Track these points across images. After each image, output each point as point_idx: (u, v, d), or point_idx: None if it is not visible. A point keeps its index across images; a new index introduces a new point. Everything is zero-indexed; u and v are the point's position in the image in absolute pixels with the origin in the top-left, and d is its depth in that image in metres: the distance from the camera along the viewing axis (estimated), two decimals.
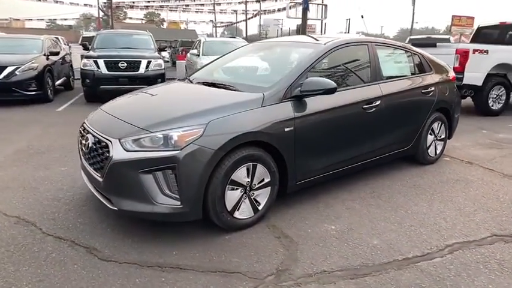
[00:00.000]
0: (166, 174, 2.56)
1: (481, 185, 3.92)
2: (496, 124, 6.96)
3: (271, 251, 2.65)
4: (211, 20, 43.06)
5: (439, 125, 4.51)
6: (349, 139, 3.52)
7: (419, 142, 4.28)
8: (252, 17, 32.46)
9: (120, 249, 2.65)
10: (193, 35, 31.26)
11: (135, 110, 3.09)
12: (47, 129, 6.15)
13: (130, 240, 2.75)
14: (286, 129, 2.96)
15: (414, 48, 4.38)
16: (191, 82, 3.80)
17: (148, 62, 8.60)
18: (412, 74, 4.21)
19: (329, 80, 3.01)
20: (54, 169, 4.24)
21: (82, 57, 16.35)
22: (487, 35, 8.90)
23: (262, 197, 2.98)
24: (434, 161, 4.60)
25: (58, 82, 9.73)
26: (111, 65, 8.30)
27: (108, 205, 2.73)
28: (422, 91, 4.16)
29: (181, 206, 2.58)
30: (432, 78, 4.35)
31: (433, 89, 4.27)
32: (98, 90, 8.36)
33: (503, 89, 7.67)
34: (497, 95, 7.66)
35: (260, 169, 2.89)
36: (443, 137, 4.63)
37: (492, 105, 7.68)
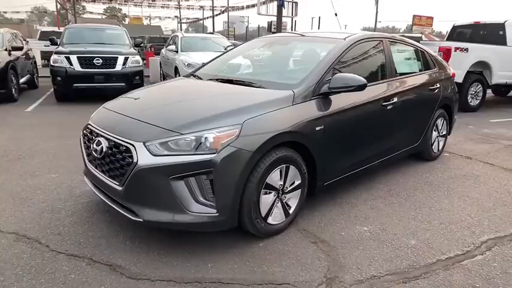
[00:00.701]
0: (201, 180, 2.33)
1: (489, 180, 3.98)
2: (478, 120, 7.21)
3: (313, 257, 2.49)
4: (176, 16, 41.98)
5: (442, 121, 4.55)
6: (370, 137, 3.44)
7: (426, 138, 4.29)
8: (219, 14, 31.96)
9: (148, 264, 2.39)
10: (158, 31, 30.33)
11: (153, 110, 2.81)
12: (21, 132, 5.61)
13: (156, 254, 2.50)
14: (317, 128, 2.81)
15: (420, 44, 4.38)
16: (200, 78, 3.55)
17: (126, 59, 8.14)
18: (420, 70, 4.20)
19: (359, 76, 2.89)
20: (43, 176, 3.83)
21: (42, 53, 15.58)
22: (461, 34, 9.23)
23: (293, 200, 2.82)
24: (437, 157, 4.64)
25: (22, 80, 9.00)
26: (86, 61, 7.76)
27: (130, 216, 2.46)
28: (430, 88, 4.17)
29: (217, 214, 2.36)
30: (437, 75, 4.37)
31: (438, 85, 4.29)
32: (70, 89, 7.80)
33: (480, 86, 7.97)
34: (475, 92, 7.96)
35: (292, 171, 2.73)
36: (444, 133, 4.69)
37: (470, 102, 7.96)
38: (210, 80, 3.40)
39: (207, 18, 34.08)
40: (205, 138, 2.32)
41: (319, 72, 2.96)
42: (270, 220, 2.66)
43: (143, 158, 2.33)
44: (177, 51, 9.63)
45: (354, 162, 3.31)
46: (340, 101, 3.03)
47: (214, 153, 2.29)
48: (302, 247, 2.61)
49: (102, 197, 2.72)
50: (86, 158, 2.92)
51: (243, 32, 47.57)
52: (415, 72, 4.08)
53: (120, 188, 2.46)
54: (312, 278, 2.28)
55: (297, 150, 2.74)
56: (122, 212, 2.52)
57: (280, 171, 2.64)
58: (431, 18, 30.21)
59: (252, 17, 76.47)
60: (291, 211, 2.81)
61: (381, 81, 3.53)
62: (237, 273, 2.31)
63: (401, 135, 3.86)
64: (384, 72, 3.60)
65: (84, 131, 2.97)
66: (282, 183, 2.68)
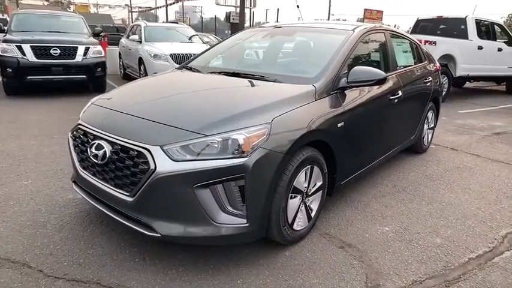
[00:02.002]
0: (229, 187, 2.06)
1: (482, 171, 4.06)
2: (448, 111, 7.44)
3: (346, 264, 2.32)
4: (126, 5, 39.74)
5: (432, 114, 4.58)
6: (379, 132, 3.33)
7: (419, 131, 4.28)
8: (173, 3, 30.63)
9: (169, 285, 2.08)
10: (108, 20, 28.62)
11: (162, 107, 2.46)
12: None
13: (175, 272, 2.20)
14: (339, 125, 2.63)
15: (413, 37, 4.34)
16: (198, 71, 3.23)
17: (87, 49, 7.44)
18: (415, 63, 4.17)
19: (378, 70, 2.74)
20: (13, 184, 3.33)
21: None
22: (424, 28, 9.50)
23: (315, 203, 2.64)
24: (426, 150, 4.68)
25: None
26: (41, 51, 6.98)
27: (144, 231, 2.12)
28: (424, 81, 4.15)
29: (247, 225, 2.11)
30: (428, 68, 4.37)
31: (430, 78, 4.29)
32: (23, 82, 7.01)
33: (446, 78, 8.26)
34: (441, 84, 8.22)
35: (315, 172, 2.53)
36: (432, 125, 4.73)
37: None
38: (212, 73, 3.09)
39: (160, 7, 32.67)
40: (234, 139, 2.05)
41: (336, 65, 2.77)
42: (295, 226, 2.45)
43: (162, 164, 2.01)
44: (140, 42, 9.02)
45: (366, 158, 3.20)
46: (355, 96, 2.87)
47: (246, 157, 2.03)
48: (331, 254, 2.43)
49: (102, 209, 2.35)
50: (77, 163, 2.52)
51: (196, 22, 46.36)
52: (411, 66, 4.04)
53: (130, 199, 2.12)
54: None
55: (319, 149, 2.54)
56: (132, 226, 2.18)
57: (305, 173, 2.44)
58: (381, 12, 31.30)
59: (205, 8, 74.93)
60: (312, 214, 2.63)
61: (388, 75, 3.42)
62: None
63: (402, 129, 3.81)
64: (387, 65, 3.50)
65: (75, 133, 2.57)
66: (306, 185, 2.48)
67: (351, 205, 3.13)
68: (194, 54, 8.62)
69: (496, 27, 9.33)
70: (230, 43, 3.71)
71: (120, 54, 10.88)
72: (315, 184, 2.58)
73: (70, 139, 2.63)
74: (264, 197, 2.14)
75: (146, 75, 8.35)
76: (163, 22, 11.99)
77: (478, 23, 8.75)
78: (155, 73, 8.25)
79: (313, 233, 2.66)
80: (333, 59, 2.81)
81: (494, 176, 3.92)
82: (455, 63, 8.24)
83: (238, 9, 20.43)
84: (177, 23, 12.76)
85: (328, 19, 35.58)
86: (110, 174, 2.23)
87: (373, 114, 3.15)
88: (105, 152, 2.21)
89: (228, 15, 18.68)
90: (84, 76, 7.50)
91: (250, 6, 18.91)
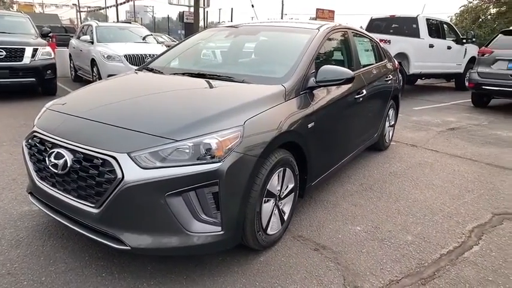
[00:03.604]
0: (203, 194, 1.96)
1: (443, 167, 4.21)
2: (404, 108, 7.65)
3: (323, 267, 2.29)
4: (74, 4, 37.70)
5: (392, 111, 4.71)
6: (346, 131, 3.36)
7: (382, 129, 4.38)
8: (123, 3, 29.48)
9: None
10: (55, 20, 27.12)
11: (126, 112, 2.29)
12: None
13: (145, 285, 2.05)
14: (309, 126, 2.60)
15: (372, 36, 4.42)
16: (160, 73, 3.08)
17: (35, 50, 6.97)
18: (376, 62, 4.25)
19: (346, 69, 2.74)
20: None
21: None
22: (378, 26, 9.81)
23: (287, 205, 2.59)
24: (388, 147, 4.80)
25: None
26: None
27: (112, 244, 1.97)
28: (385, 79, 4.25)
29: (222, 232, 2.02)
30: (388, 66, 4.48)
31: (391, 77, 4.40)
32: None
33: (400, 75, 8.55)
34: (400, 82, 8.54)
35: (288, 174, 2.48)
36: (393, 123, 4.86)
37: None
38: (175, 74, 2.96)
39: (110, 7, 31.34)
40: (206, 144, 1.95)
41: (304, 65, 2.74)
42: (269, 231, 2.39)
43: (130, 172, 1.87)
44: (92, 42, 8.60)
45: (335, 158, 3.20)
46: (321, 96, 2.86)
47: (219, 162, 1.94)
48: (306, 257, 2.39)
49: (64, 222, 2.16)
50: (34, 173, 2.31)
51: (147, 22, 45.04)
52: (373, 64, 4.11)
53: (95, 211, 1.96)
54: None
55: (290, 151, 2.50)
56: (98, 239, 2.02)
57: (278, 176, 2.38)
58: (333, 11, 32.12)
59: (156, 7, 72.84)
60: (285, 218, 2.58)
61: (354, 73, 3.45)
62: None
63: (367, 127, 3.87)
64: (352, 64, 3.52)
65: (30, 141, 2.35)
66: (279, 188, 2.42)
67: (320, 205, 3.12)
68: (150, 55, 8.45)
69: (445, 26, 9.83)
70: (191, 43, 3.57)
71: (70, 55, 10.33)
72: (287, 187, 2.53)
73: (25, 147, 2.40)
74: (239, 203, 2.06)
75: (100, 76, 7.99)
76: (113, 22, 11.48)
77: (429, 22, 9.17)
78: (110, 75, 7.97)
79: (286, 236, 2.61)
80: (301, 59, 2.77)
81: (454, 171, 4.08)
82: (408, 61, 8.58)
83: (191, 9, 20.18)
84: (130, 22, 12.31)
85: (282, 18, 36.02)
86: (71, 184, 2.06)
87: (341, 113, 3.16)
88: (65, 161, 2.03)
89: (181, 15, 18.33)
90: (33, 79, 7.04)
91: (204, 5, 18.68)
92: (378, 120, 4.19)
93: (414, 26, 8.96)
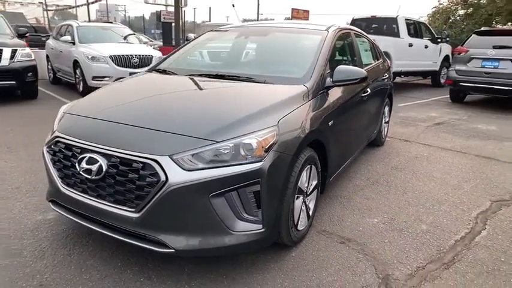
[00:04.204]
0: (244, 194, 2.00)
1: (438, 160, 4.42)
2: None
3: (353, 259, 2.39)
4: (41, 2, 36.16)
5: (387, 108, 4.88)
6: (357, 127, 3.48)
7: (380, 126, 4.54)
8: (94, 2, 28.66)
9: None
10: (21, 19, 26.01)
11: (159, 114, 2.29)
12: None
13: (187, 287, 2.08)
14: (330, 124, 2.69)
15: (369, 36, 4.58)
16: (173, 74, 3.08)
17: (13, 51, 6.71)
18: (374, 61, 4.40)
19: (359, 68, 2.86)
20: None
21: None
22: (359, 27, 10.03)
23: (312, 202, 2.67)
24: (384, 142, 4.97)
25: None
26: None
27: (155, 248, 1.99)
28: (383, 77, 4.41)
29: (263, 230, 2.07)
30: (384, 65, 4.64)
31: (386, 75, 4.57)
32: None
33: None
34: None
35: (313, 171, 2.57)
36: (388, 119, 5.04)
37: None
38: (191, 75, 2.97)
39: (81, 6, 30.37)
40: (247, 144, 1.99)
41: (321, 65, 2.82)
42: (299, 226, 2.46)
43: (174, 175, 1.89)
44: (74, 43, 8.36)
45: (346, 154, 3.32)
46: (337, 95, 2.96)
47: (261, 161, 1.99)
48: (335, 250, 2.48)
49: (96, 229, 2.15)
50: (58, 180, 2.27)
51: (119, 22, 43.86)
52: (373, 63, 4.26)
53: (135, 215, 1.97)
54: (368, 281, 2.18)
55: (314, 149, 2.58)
56: (138, 244, 2.02)
57: (306, 173, 2.46)
58: (308, 11, 32.45)
59: (128, 6, 71.24)
60: (310, 213, 2.66)
61: None
62: None
63: (370, 124, 4.02)
64: (355, 63, 3.65)
65: (53, 147, 2.30)
66: (307, 185, 2.50)
67: (335, 201, 3.22)
68: (136, 56, 8.32)
69: (421, 26, 10.23)
70: (200, 44, 3.59)
71: (47, 56, 9.99)
72: (312, 183, 2.61)
73: (47, 154, 2.35)
74: (277, 201, 2.12)
75: (83, 78, 7.81)
76: (85, 21, 11.22)
77: (407, 22, 9.51)
78: (95, 77, 7.77)
79: (311, 232, 2.69)
80: (317, 59, 2.86)
81: (449, 163, 4.29)
82: (390, 60, 8.85)
83: (168, 8, 19.92)
84: (111, 22, 12.04)
85: (258, 18, 36.09)
86: (107, 190, 2.04)
87: (352, 111, 3.27)
88: (100, 166, 2.01)
89: (158, 14, 18.05)
90: (13, 82, 6.78)
91: (181, 5, 18.47)
92: (377, 117, 4.35)
93: (394, 26, 9.28)
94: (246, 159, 1.97)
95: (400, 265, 2.34)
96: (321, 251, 2.47)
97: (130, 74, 7.95)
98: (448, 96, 8.72)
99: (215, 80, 2.85)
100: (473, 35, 8.34)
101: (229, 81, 2.77)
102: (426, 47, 9.88)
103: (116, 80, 7.78)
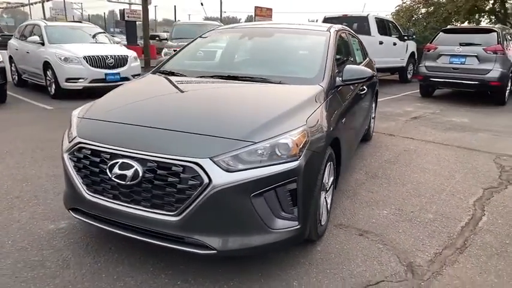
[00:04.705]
0: (282, 192, 2.05)
1: (425, 152, 4.68)
2: None
3: (375, 250, 2.51)
4: None
5: (374, 104, 5.09)
6: (358, 123, 3.62)
7: (370, 121, 4.73)
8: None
9: None
10: None
11: (187, 117, 2.28)
12: None
13: (226, 287, 2.11)
14: (342, 121, 2.80)
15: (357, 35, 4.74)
16: (182, 75, 3.06)
17: None
18: (364, 59, 4.57)
19: (366, 68, 2.99)
20: None
21: None
22: None
23: (329, 197, 2.76)
24: (371, 137, 5.18)
25: None
26: None
27: (197, 251, 2.00)
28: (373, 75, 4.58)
29: (299, 226, 2.13)
30: (371, 62, 4.83)
31: (375, 73, 4.75)
32: None
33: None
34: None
35: (331, 168, 2.66)
36: (374, 115, 5.25)
37: None
38: (201, 77, 2.97)
39: (34, 4, 28.82)
40: (283, 144, 2.05)
41: (330, 65, 2.92)
42: (322, 221, 2.55)
43: (217, 176, 1.91)
44: (43, 44, 8.00)
45: (351, 149, 3.45)
46: (345, 93, 3.08)
47: (297, 160, 2.05)
48: (356, 242, 2.60)
49: (126, 235, 2.12)
50: (83, 187, 2.21)
51: (77, 20, 42.00)
52: (364, 61, 4.43)
53: (175, 219, 1.97)
54: (394, 269, 2.30)
55: (331, 146, 2.68)
56: (178, 248, 2.03)
57: (327, 170, 2.55)
58: (271, 9, 32.65)
59: (85, 5, 67.97)
60: (329, 208, 2.76)
61: None
62: (330, 285, 2.15)
63: (364, 119, 4.18)
64: (351, 61, 3.79)
65: (76, 153, 2.24)
66: (327, 181, 2.60)
67: (342, 195, 3.34)
68: (111, 56, 8.07)
69: (390, 24, 10.66)
70: (204, 45, 3.58)
71: (11, 57, 9.48)
72: (330, 179, 2.71)
73: (69, 161, 2.28)
74: (310, 197, 2.19)
75: (56, 80, 7.50)
76: (40, 19, 10.73)
77: (377, 20, 9.88)
78: (68, 79, 7.46)
79: (329, 226, 2.79)
80: (326, 59, 2.95)
81: (436, 155, 4.55)
82: None
83: (132, 6, 19.40)
84: (81, 22, 11.57)
85: (221, 17, 35.97)
86: (143, 195, 2.03)
87: (355, 107, 3.41)
88: (136, 171, 2.00)
89: (122, 13, 17.55)
90: None
91: (148, 3, 18.04)
92: (369, 112, 4.53)
93: (365, 24, 9.61)
94: (282, 158, 2.03)
95: (419, 252, 2.49)
96: (344, 244, 2.57)
97: (106, 75, 7.76)
98: (418, 91, 9.18)
99: (230, 81, 2.87)
100: (440, 32, 8.81)
101: (244, 83, 2.81)
102: (394, 44, 10.33)
103: (91, 81, 7.64)
